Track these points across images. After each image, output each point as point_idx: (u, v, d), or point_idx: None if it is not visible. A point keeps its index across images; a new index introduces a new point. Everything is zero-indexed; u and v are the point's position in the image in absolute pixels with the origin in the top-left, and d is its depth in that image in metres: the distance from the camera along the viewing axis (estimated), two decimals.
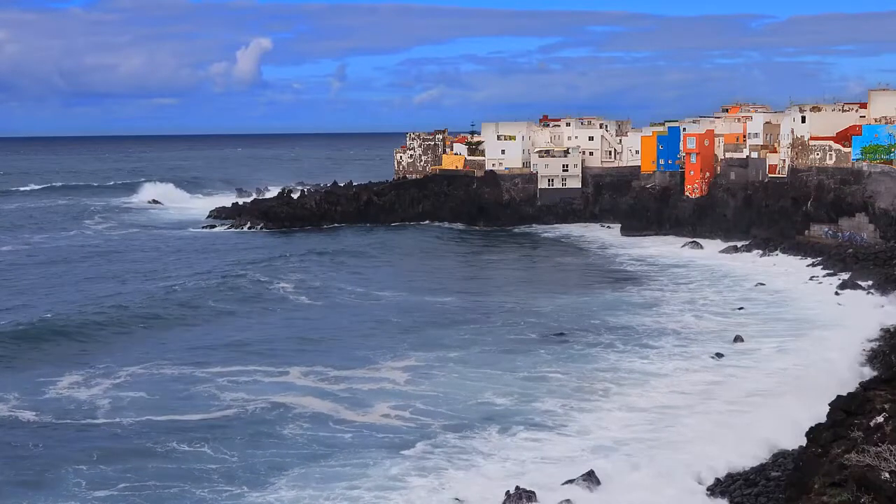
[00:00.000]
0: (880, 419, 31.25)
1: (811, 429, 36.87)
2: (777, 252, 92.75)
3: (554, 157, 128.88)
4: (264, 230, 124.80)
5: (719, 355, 56.48)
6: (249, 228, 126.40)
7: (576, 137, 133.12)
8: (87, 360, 56.02)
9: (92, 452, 40.66)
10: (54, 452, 40.81)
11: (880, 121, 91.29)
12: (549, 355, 57.41)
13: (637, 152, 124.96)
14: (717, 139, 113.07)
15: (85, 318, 65.46)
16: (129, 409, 46.93)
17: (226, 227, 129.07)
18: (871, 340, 56.44)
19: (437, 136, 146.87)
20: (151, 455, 40.72)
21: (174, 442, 42.08)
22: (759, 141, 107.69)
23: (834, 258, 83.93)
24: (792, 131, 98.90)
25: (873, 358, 51.80)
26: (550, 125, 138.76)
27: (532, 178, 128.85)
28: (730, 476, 36.61)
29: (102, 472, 38.67)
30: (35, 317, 65.25)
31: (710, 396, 48.08)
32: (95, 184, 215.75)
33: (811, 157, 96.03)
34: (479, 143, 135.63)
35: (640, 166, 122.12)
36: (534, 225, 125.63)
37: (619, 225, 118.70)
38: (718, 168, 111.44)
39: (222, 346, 59.53)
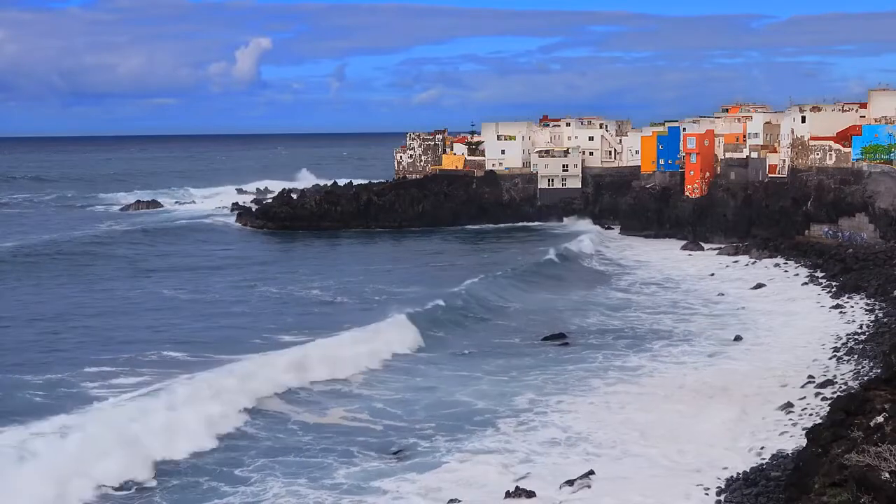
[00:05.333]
0: (880, 419, 31.19)
1: (811, 429, 36.85)
2: (777, 252, 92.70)
3: (554, 157, 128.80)
4: (265, 230, 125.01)
5: (718, 354, 56.55)
6: (248, 227, 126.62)
7: (576, 137, 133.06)
8: None
9: None
10: None
11: (880, 121, 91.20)
12: (546, 356, 57.48)
13: (637, 152, 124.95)
14: (717, 139, 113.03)
15: None
16: None
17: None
18: (870, 340, 56.38)
19: (437, 136, 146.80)
20: None
21: None
22: (759, 141, 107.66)
23: (834, 258, 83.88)
24: (792, 131, 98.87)
25: (873, 358, 51.71)
26: (550, 125, 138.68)
27: (532, 178, 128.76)
28: (730, 476, 36.58)
29: None
30: None
31: (710, 396, 48.01)
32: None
33: (811, 157, 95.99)
34: (479, 143, 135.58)
35: (640, 166, 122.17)
36: (534, 223, 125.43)
37: (619, 226, 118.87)
38: (718, 168, 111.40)
39: None
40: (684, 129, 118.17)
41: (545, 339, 61.88)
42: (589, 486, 36.18)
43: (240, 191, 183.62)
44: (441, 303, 69.41)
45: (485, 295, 74.88)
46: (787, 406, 45.11)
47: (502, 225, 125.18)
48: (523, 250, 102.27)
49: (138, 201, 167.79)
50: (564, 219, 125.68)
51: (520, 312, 71.00)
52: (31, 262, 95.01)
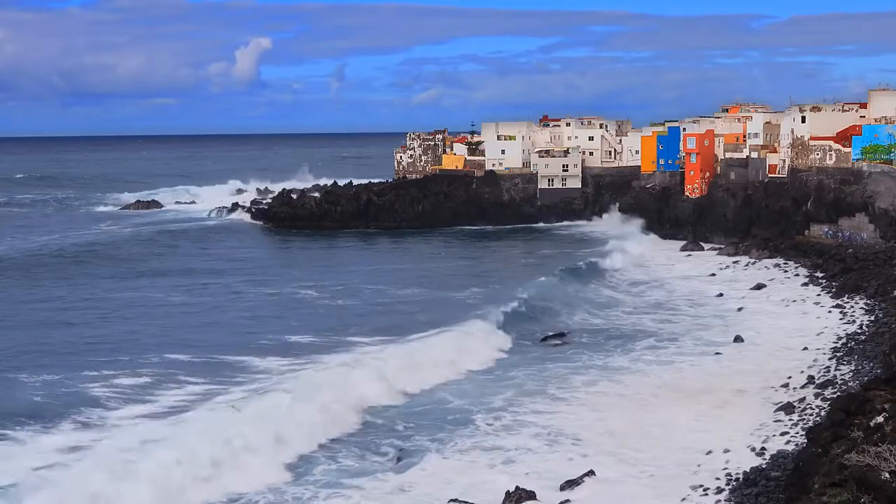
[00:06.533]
0: (880, 419, 31.21)
1: (811, 429, 36.93)
2: (777, 252, 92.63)
3: (554, 157, 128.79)
4: (266, 230, 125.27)
5: (718, 355, 56.54)
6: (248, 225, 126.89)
7: (576, 137, 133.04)
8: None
9: None
10: None
11: (880, 121, 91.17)
12: (543, 355, 57.55)
13: (637, 152, 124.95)
14: (717, 139, 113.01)
15: None
16: None
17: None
18: (870, 340, 56.34)
19: (437, 136, 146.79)
20: None
21: None
22: (759, 141, 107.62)
23: (834, 258, 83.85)
24: (792, 131, 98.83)
25: (873, 358, 51.68)
26: (550, 125, 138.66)
27: (532, 178, 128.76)
28: (729, 476, 36.59)
29: None
30: None
31: (710, 396, 48.02)
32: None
33: (811, 157, 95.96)
34: (479, 143, 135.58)
35: (640, 166, 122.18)
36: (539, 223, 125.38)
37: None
38: (718, 168, 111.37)
39: None
40: (684, 129, 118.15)
41: (543, 339, 62.07)
42: (589, 487, 36.16)
43: (240, 191, 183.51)
44: (507, 308, 67.53)
45: (545, 304, 72.15)
46: (787, 406, 45.12)
47: (517, 226, 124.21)
48: (554, 255, 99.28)
49: (138, 201, 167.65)
50: (595, 217, 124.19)
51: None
52: (30, 262, 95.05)
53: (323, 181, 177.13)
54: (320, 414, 44.05)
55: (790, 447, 38.86)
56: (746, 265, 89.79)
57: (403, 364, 52.54)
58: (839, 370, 50.93)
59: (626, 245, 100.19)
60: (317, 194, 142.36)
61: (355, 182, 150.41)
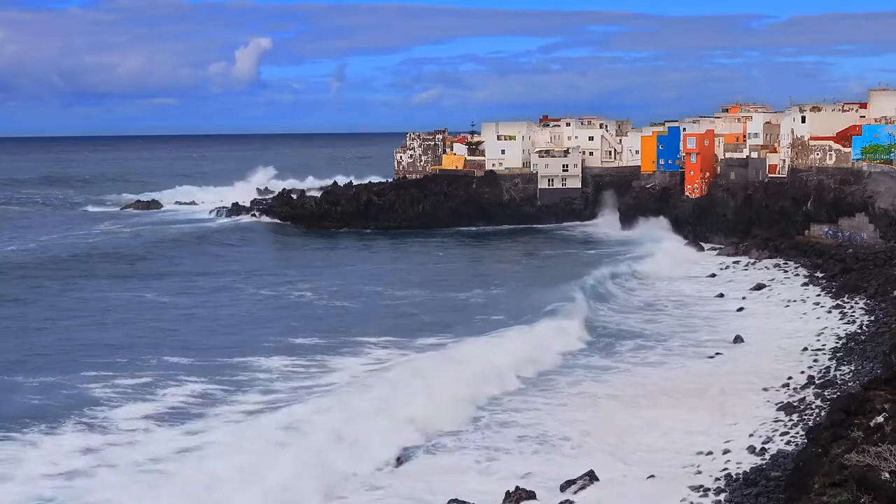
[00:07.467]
0: (880, 419, 31.18)
1: (811, 429, 36.94)
2: (777, 252, 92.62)
3: (554, 157, 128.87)
4: (268, 230, 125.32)
5: (719, 355, 56.53)
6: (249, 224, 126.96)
7: (576, 137, 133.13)
8: None
9: None
10: None
11: (880, 121, 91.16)
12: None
13: (637, 152, 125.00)
14: (717, 139, 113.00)
15: None
16: None
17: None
18: (870, 341, 56.33)
19: (437, 136, 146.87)
20: None
21: None
22: (759, 141, 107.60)
23: (834, 258, 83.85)
24: (792, 131, 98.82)
25: (873, 358, 51.68)
26: (550, 125, 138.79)
27: (532, 178, 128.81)
28: (729, 476, 36.59)
29: None
30: None
31: (710, 396, 48.01)
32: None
33: (811, 157, 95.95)
34: (479, 143, 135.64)
35: (640, 166, 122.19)
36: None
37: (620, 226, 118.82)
38: (718, 168, 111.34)
39: None
40: (684, 129, 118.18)
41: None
42: (589, 487, 36.16)
43: (240, 191, 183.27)
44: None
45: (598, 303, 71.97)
46: (788, 406, 45.13)
47: (517, 226, 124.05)
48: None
49: (138, 201, 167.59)
50: (601, 214, 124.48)
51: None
52: (30, 263, 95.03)
53: (323, 181, 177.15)
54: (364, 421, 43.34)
55: (790, 447, 38.85)
56: (746, 265, 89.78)
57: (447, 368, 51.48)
58: (839, 370, 50.93)
59: (660, 248, 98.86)
60: (317, 194, 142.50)
61: (355, 182, 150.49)
